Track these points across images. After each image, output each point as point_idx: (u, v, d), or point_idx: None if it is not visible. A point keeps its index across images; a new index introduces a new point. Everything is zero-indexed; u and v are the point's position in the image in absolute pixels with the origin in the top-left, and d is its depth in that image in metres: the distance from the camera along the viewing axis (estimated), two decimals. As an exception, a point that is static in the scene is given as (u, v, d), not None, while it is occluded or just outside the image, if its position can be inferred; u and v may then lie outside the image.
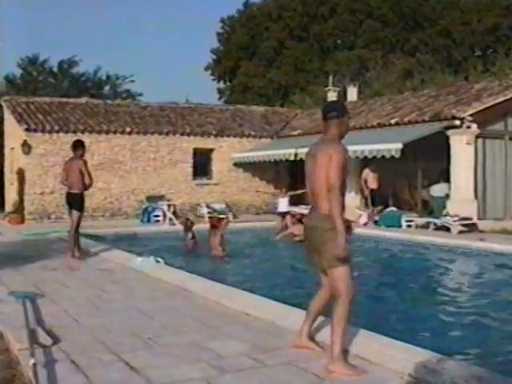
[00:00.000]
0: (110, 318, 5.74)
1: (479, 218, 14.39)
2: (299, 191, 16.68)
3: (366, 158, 15.00)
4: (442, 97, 17.13)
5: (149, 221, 17.36)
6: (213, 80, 41.70)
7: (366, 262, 10.92)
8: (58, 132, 17.87)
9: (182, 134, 19.71)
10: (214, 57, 41.36)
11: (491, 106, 14.60)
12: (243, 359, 4.43)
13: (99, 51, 61.08)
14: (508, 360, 5.05)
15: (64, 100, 21.14)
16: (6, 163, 20.95)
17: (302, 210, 15.58)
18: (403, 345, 4.51)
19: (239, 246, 12.88)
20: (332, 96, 24.03)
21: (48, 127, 17.78)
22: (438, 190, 15.20)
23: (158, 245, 12.92)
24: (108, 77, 37.27)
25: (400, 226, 14.79)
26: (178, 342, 4.90)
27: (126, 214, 18.68)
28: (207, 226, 11.91)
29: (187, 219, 12.79)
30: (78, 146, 10.12)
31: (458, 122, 14.28)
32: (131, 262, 9.18)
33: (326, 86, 25.91)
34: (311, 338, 4.70)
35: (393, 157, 14.03)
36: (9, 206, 19.51)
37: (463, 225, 13.77)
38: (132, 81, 37.65)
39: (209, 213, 18.31)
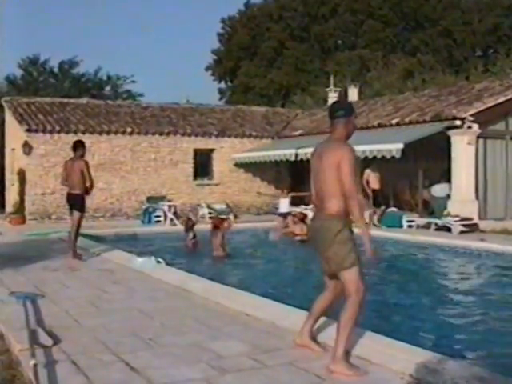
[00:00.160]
0: (110, 319, 5.74)
1: (480, 219, 14.38)
2: (301, 194, 16.85)
3: (366, 158, 14.99)
4: (442, 97, 17.13)
5: (150, 221, 17.35)
6: (214, 80, 41.80)
7: (367, 262, 10.89)
8: (58, 132, 17.87)
9: (183, 135, 19.71)
10: (215, 57, 41.41)
11: (492, 106, 14.59)
12: (243, 359, 4.43)
13: (100, 52, 61.27)
14: (509, 361, 5.04)
15: (65, 100, 21.16)
16: (7, 164, 20.95)
17: (303, 209, 15.62)
18: (404, 345, 4.51)
19: (240, 246, 12.87)
20: (333, 96, 24.04)
21: (49, 128, 17.79)
22: (438, 190, 15.19)
23: (158, 245, 12.92)
24: (109, 77, 37.28)
25: (401, 227, 14.78)
26: (178, 343, 4.89)
27: (126, 215, 18.68)
28: (208, 226, 11.91)
29: (189, 219, 12.79)
30: (79, 146, 10.11)
31: (458, 122, 14.28)
32: (132, 262, 9.17)
33: (327, 87, 25.95)
34: (313, 338, 4.68)
35: (393, 157, 14.03)
36: (9, 207, 19.52)
37: (464, 225, 13.76)
38: (133, 81, 37.67)
39: (209, 213, 18.35)
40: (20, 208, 17.93)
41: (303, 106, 27.92)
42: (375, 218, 15.52)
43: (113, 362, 4.41)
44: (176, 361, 4.42)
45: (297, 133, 20.56)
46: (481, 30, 33.09)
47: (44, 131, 17.71)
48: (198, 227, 12.72)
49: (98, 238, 12.75)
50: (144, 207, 17.91)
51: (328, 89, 25.42)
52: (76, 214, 9.84)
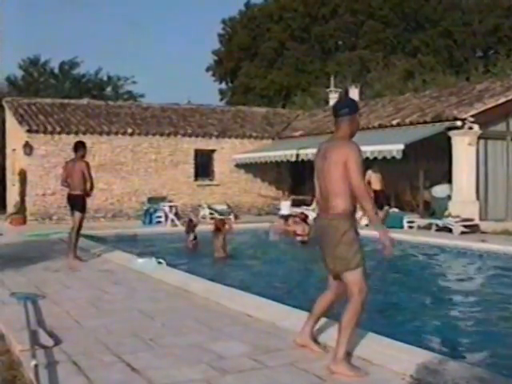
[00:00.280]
0: (111, 319, 5.74)
1: (481, 219, 14.37)
2: (301, 197, 17.03)
3: (367, 159, 14.96)
4: (443, 98, 17.13)
5: (150, 222, 17.35)
6: (214, 81, 41.81)
7: (368, 263, 10.89)
8: (59, 133, 17.89)
9: (184, 135, 19.72)
10: (216, 58, 41.43)
11: (493, 107, 14.59)
12: (244, 360, 4.42)
13: (101, 52, 61.27)
14: (510, 362, 5.03)
15: (65, 101, 21.18)
16: (8, 164, 20.97)
17: (304, 210, 15.64)
18: (404, 346, 4.51)
19: (241, 247, 12.87)
20: (333, 97, 24.03)
21: (49, 128, 17.80)
22: (439, 191, 15.18)
23: (159, 246, 12.92)
24: (109, 78, 37.34)
25: (402, 227, 14.77)
26: (179, 343, 4.89)
27: (127, 216, 18.68)
28: (209, 227, 11.93)
29: (190, 220, 12.79)
30: (80, 147, 10.11)
31: (459, 123, 14.28)
32: (132, 263, 9.18)
33: (328, 87, 25.94)
34: (313, 338, 4.67)
35: (394, 158, 14.03)
36: (10, 207, 19.52)
37: (465, 226, 13.76)
38: (133, 82, 37.73)
39: (210, 214, 18.36)
40: (21, 209, 17.94)
41: (304, 107, 27.92)
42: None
43: (113, 362, 4.41)
44: (177, 361, 4.42)
45: (297, 133, 20.57)
46: (481, 31, 33.09)
47: (45, 132, 17.73)
48: (199, 228, 12.74)
49: (98, 239, 12.75)
50: (145, 208, 17.91)
51: (328, 89, 25.42)
52: (77, 214, 9.84)
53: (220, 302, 6.33)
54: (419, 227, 14.72)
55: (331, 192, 4.22)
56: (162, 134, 19.38)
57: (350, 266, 4.18)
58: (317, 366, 4.26)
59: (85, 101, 21.93)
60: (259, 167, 20.17)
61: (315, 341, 4.66)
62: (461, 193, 14.40)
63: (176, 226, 15.87)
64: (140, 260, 9.15)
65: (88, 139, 16.35)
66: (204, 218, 18.11)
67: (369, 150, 14.60)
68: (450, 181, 14.75)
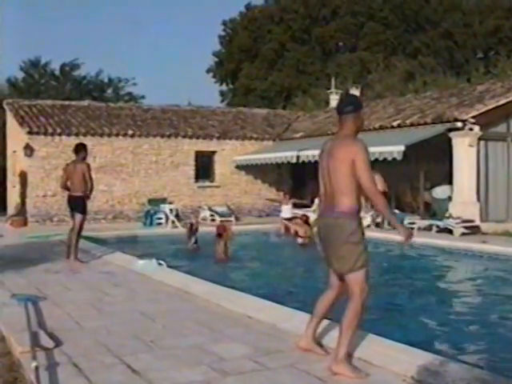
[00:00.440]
0: (111, 321, 5.74)
1: (481, 220, 14.37)
2: (301, 201, 17.26)
3: (368, 160, 14.98)
4: (444, 99, 17.13)
5: (151, 224, 17.35)
6: (215, 82, 41.78)
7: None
8: (60, 135, 17.90)
9: (184, 137, 19.72)
10: (216, 59, 41.43)
11: (494, 108, 14.59)
12: (245, 362, 4.42)
13: (101, 54, 61.32)
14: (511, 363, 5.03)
15: (66, 103, 21.20)
16: (9, 166, 20.98)
17: (305, 212, 15.67)
18: (405, 347, 4.51)
19: (242, 248, 12.86)
20: (334, 98, 24.05)
21: (50, 130, 17.82)
22: (440, 192, 15.18)
23: (160, 247, 12.93)
24: (110, 79, 37.38)
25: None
26: (179, 345, 4.89)
27: (127, 217, 18.69)
28: (209, 229, 11.93)
29: (191, 224, 12.78)
30: (81, 149, 10.11)
31: (460, 124, 14.28)
32: (133, 264, 9.18)
33: (328, 89, 25.95)
34: (317, 341, 4.62)
35: (395, 159, 14.02)
36: (11, 209, 19.53)
37: (465, 227, 13.75)
38: (134, 83, 37.79)
39: (211, 215, 18.37)
40: (21, 210, 17.95)
41: (304, 108, 27.93)
42: (377, 220, 15.52)
43: (114, 364, 4.41)
44: (177, 363, 4.41)
45: (298, 135, 20.56)
46: (482, 32, 33.07)
47: (45, 133, 17.74)
48: (200, 229, 12.74)
49: (99, 241, 12.76)
50: (145, 209, 17.92)
51: (329, 91, 25.44)
52: (78, 216, 9.83)
53: (221, 304, 6.32)
54: (420, 228, 14.69)
55: (337, 190, 4.18)
56: (162, 136, 19.39)
57: (355, 267, 4.14)
58: (318, 367, 4.25)
59: (85, 102, 21.95)
60: (260, 169, 20.18)
61: (319, 343, 4.62)
62: (461, 194, 14.40)
63: (176, 227, 15.87)
64: (141, 262, 9.14)
65: (88, 141, 16.37)
66: (204, 219, 18.12)
67: (369, 151, 14.58)
68: (450, 182, 14.75)
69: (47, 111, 19.37)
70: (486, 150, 14.88)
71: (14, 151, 19.77)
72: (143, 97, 37.54)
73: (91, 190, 9.98)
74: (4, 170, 21.65)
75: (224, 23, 41.29)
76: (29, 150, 17.51)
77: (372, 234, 13.98)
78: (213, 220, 18.13)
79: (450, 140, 14.49)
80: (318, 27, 36.66)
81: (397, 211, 16.43)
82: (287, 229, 14.70)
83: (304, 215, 14.29)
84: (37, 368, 4.05)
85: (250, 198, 20.63)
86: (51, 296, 6.91)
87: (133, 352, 4.68)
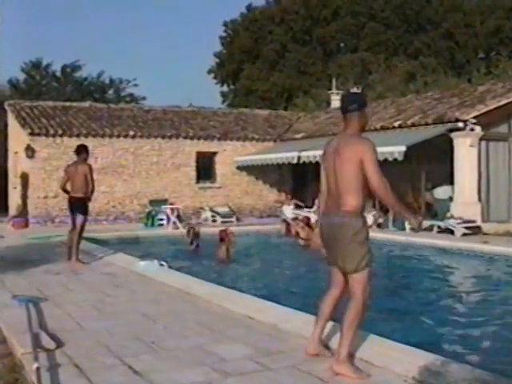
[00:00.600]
0: (113, 322, 5.74)
1: (483, 221, 14.35)
2: (302, 203, 17.36)
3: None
4: (445, 99, 17.12)
5: (153, 225, 17.36)
6: (216, 83, 41.81)
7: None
8: (61, 136, 17.92)
9: (185, 138, 19.74)
10: (217, 60, 41.44)
11: (495, 109, 14.59)
12: (246, 363, 4.42)
13: (102, 55, 61.36)
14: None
15: (67, 104, 21.23)
16: (10, 167, 21.00)
17: (306, 212, 15.69)
18: (407, 347, 4.50)
19: (243, 249, 12.85)
20: (335, 99, 24.04)
21: (51, 131, 17.84)
22: (441, 192, 15.17)
23: (161, 248, 12.92)
24: (111, 81, 37.43)
25: (403, 229, 14.75)
26: (181, 346, 4.89)
27: (129, 218, 18.70)
28: (210, 229, 11.93)
29: (193, 228, 12.76)
30: (82, 150, 10.11)
31: (461, 125, 14.28)
32: (134, 265, 9.17)
33: (330, 89, 25.97)
34: (324, 343, 4.55)
35: (396, 159, 14.01)
36: (12, 210, 19.55)
37: (467, 227, 13.73)
38: (135, 85, 37.84)
39: (212, 216, 18.37)
40: (23, 211, 17.96)
41: (305, 109, 27.94)
42: (379, 220, 15.51)
43: (115, 365, 4.41)
44: (179, 364, 4.41)
45: (299, 136, 20.57)
46: (483, 32, 33.07)
47: (47, 135, 17.76)
48: (201, 231, 12.75)
49: (100, 242, 12.75)
50: (147, 210, 17.92)
51: (330, 91, 25.45)
52: (80, 217, 9.81)
53: (222, 305, 6.32)
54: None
55: (343, 189, 4.14)
56: (163, 137, 19.40)
57: (359, 267, 4.11)
58: (319, 368, 4.24)
59: (87, 103, 21.97)
60: (261, 169, 20.18)
61: (326, 346, 4.54)
62: (463, 194, 14.39)
63: (178, 228, 15.87)
64: (142, 262, 9.14)
65: (90, 142, 16.40)
66: (206, 220, 18.12)
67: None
68: (451, 182, 14.74)
69: (49, 112, 19.39)
70: (488, 151, 14.87)
71: (16, 152, 19.80)
72: (144, 98, 37.63)
73: (92, 192, 9.97)
74: (5, 171, 21.68)
75: (225, 24, 41.33)
76: (30, 152, 17.53)
77: (374, 234, 13.99)
78: (214, 221, 18.13)
79: (451, 140, 14.49)
80: (319, 28, 36.68)
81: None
82: (288, 230, 14.72)
83: (306, 217, 14.30)
84: (38, 369, 4.04)
85: (251, 198, 20.63)
86: (52, 297, 6.91)
87: (134, 353, 4.68)
